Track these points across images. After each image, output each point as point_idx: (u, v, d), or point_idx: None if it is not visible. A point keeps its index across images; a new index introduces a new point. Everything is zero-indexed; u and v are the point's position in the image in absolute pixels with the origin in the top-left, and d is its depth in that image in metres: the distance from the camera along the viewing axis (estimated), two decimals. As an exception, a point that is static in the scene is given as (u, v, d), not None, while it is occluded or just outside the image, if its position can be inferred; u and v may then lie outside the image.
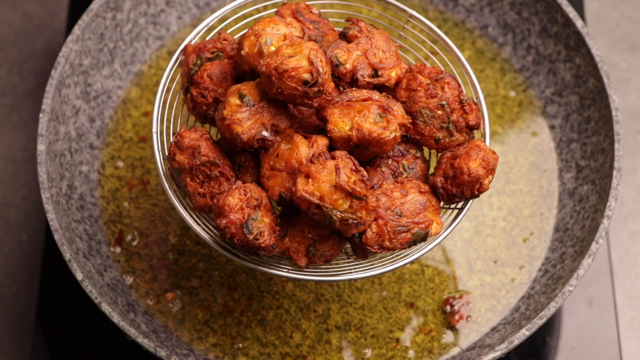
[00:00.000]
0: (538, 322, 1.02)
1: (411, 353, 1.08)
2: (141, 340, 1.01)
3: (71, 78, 1.13)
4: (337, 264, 0.99)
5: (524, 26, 1.19)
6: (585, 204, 1.11)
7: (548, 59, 1.18)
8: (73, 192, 1.11)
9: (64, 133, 1.12)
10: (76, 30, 1.13)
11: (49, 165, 1.08)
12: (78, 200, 1.11)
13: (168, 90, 1.08)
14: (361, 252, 0.97)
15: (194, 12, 1.21)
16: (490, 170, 0.96)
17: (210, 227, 0.99)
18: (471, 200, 0.98)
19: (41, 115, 1.08)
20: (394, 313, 1.09)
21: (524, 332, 1.02)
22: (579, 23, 1.15)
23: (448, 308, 1.09)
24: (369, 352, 1.08)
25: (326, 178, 0.90)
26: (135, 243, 1.12)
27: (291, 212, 0.96)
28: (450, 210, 1.00)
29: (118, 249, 1.11)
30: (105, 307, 1.01)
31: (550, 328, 1.13)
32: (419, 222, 0.95)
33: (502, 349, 1.01)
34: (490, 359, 1.01)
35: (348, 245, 1.00)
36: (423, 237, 0.95)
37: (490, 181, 0.96)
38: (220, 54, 0.99)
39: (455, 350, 1.08)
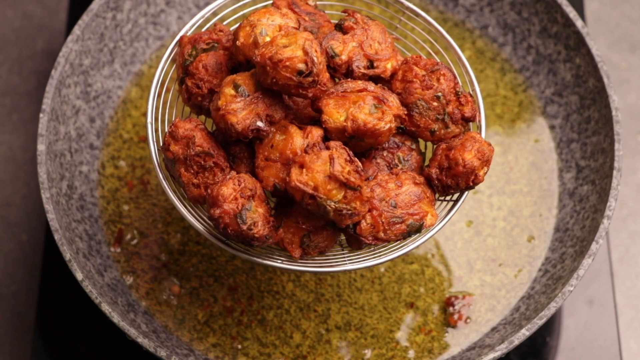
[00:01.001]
0: (538, 322, 1.02)
1: (411, 353, 1.08)
2: (141, 340, 1.01)
3: (71, 78, 1.13)
4: (332, 255, 0.99)
5: (524, 26, 1.20)
6: (585, 204, 1.11)
7: (548, 59, 1.18)
8: (73, 192, 1.11)
9: (64, 133, 1.12)
10: (76, 30, 1.13)
11: (49, 165, 1.08)
12: (78, 200, 1.11)
13: (163, 82, 1.08)
14: (355, 243, 0.97)
15: (194, 12, 1.21)
16: (486, 162, 0.96)
17: (205, 218, 0.98)
18: (466, 192, 0.98)
19: (41, 115, 1.08)
20: (394, 313, 1.09)
21: (524, 332, 1.02)
22: (579, 23, 1.15)
23: (450, 308, 1.09)
24: (368, 352, 1.08)
25: (320, 168, 0.90)
26: (135, 243, 1.12)
27: (285, 203, 0.96)
28: (445, 203, 1.00)
29: (118, 249, 1.11)
30: (105, 307, 1.01)
31: (550, 328, 1.13)
32: (413, 213, 0.95)
33: (502, 349, 1.01)
34: (490, 359, 1.01)
35: (343, 237, 1.00)
36: (418, 229, 0.95)
37: (486, 173, 0.96)
38: (216, 45, 0.99)
39: (455, 350, 1.08)
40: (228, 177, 0.92)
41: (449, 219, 0.98)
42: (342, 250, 0.99)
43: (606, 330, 1.13)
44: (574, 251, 1.08)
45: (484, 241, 1.13)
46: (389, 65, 0.98)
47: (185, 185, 0.95)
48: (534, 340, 1.12)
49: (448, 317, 1.09)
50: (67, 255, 1.03)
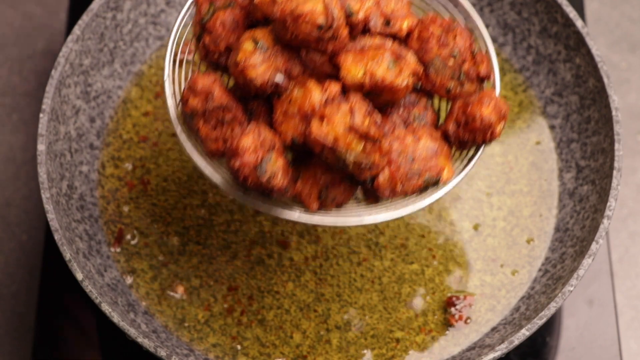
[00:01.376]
0: (538, 322, 1.02)
1: (411, 353, 1.08)
2: (141, 340, 1.01)
3: (71, 78, 1.13)
4: (349, 210, 0.98)
5: (524, 26, 1.20)
6: (585, 204, 1.11)
7: (548, 59, 1.18)
8: (73, 192, 1.11)
9: (64, 133, 1.12)
10: (76, 30, 1.13)
11: (49, 165, 1.08)
12: (78, 200, 1.11)
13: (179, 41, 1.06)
14: (373, 197, 0.97)
15: (194, 12, 1.21)
16: (502, 117, 0.97)
17: (220, 175, 0.98)
18: (482, 148, 0.99)
19: (41, 115, 1.08)
20: (394, 313, 1.09)
21: (524, 332, 1.02)
22: (579, 23, 1.15)
23: (452, 309, 1.09)
24: (368, 352, 1.08)
25: (340, 120, 0.90)
26: (135, 243, 1.12)
27: (303, 157, 0.96)
28: (460, 160, 1.00)
29: (118, 248, 1.11)
30: (105, 307, 1.01)
31: (550, 328, 1.13)
32: (430, 167, 0.95)
33: (502, 349, 1.01)
34: (490, 359, 1.01)
35: (360, 195, 1.00)
36: (434, 183, 0.95)
37: (502, 129, 0.97)
38: (233, 2, 0.99)
39: (455, 350, 1.08)
40: (248, 129, 0.92)
41: (465, 175, 0.98)
42: (359, 205, 0.99)
43: (606, 330, 1.13)
44: (574, 251, 1.08)
45: (484, 241, 1.13)
46: (405, 25, 0.98)
47: (203, 140, 0.95)
48: (534, 340, 1.12)
49: (448, 317, 1.09)
50: (67, 255, 1.03)
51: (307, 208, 0.96)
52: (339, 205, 0.96)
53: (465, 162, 1.00)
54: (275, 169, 0.92)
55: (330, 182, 0.95)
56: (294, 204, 0.97)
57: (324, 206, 0.95)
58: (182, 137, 0.97)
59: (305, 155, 0.96)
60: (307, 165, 0.95)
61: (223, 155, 0.95)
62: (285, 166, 0.93)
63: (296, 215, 0.96)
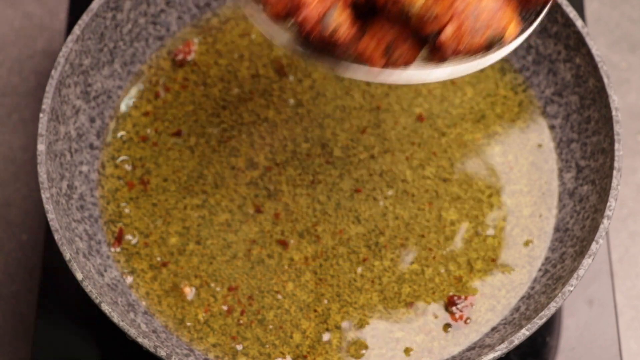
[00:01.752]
0: (538, 322, 1.02)
1: (411, 353, 1.08)
2: (141, 340, 1.01)
3: (71, 78, 1.13)
4: (414, 70, 0.97)
5: (524, 26, 1.20)
6: (585, 204, 1.11)
7: (548, 59, 1.18)
8: (73, 192, 1.11)
9: (64, 133, 1.12)
10: (76, 30, 1.13)
11: (49, 165, 1.08)
12: (78, 200, 1.11)
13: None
14: (437, 56, 0.95)
15: (194, 12, 1.21)
16: None
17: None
18: (545, 10, 0.97)
19: (41, 115, 1.08)
20: (394, 313, 1.09)
21: (524, 332, 1.02)
22: (579, 23, 1.15)
23: (453, 308, 1.09)
24: (368, 353, 1.08)
25: None
26: (135, 243, 1.12)
27: (367, 15, 0.94)
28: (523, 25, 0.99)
29: (118, 248, 1.11)
30: (105, 307, 1.01)
31: (550, 328, 1.13)
32: (495, 23, 0.94)
33: (502, 349, 1.01)
34: (490, 359, 1.01)
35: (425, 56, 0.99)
36: (499, 40, 0.94)
37: None
38: None
39: (455, 350, 1.08)
40: None
41: (529, 33, 0.96)
42: (425, 66, 0.97)
43: (606, 330, 1.13)
44: (574, 251, 1.08)
45: (484, 241, 1.13)
46: None
47: (265, 2, 0.93)
48: (534, 340, 1.12)
49: (448, 316, 1.09)
50: (67, 255, 1.03)
51: (371, 67, 0.94)
52: (405, 64, 0.94)
53: (530, 20, 0.98)
54: (340, 21, 0.90)
55: (396, 39, 0.92)
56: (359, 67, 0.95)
57: (389, 64, 0.93)
58: (244, 1, 0.96)
59: (369, 12, 0.93)
60: (372, 23, 0.93)
61: (286, 17, 0.93)
62: (350, 19, 0.91)
63: (362, 71, 0.93)
